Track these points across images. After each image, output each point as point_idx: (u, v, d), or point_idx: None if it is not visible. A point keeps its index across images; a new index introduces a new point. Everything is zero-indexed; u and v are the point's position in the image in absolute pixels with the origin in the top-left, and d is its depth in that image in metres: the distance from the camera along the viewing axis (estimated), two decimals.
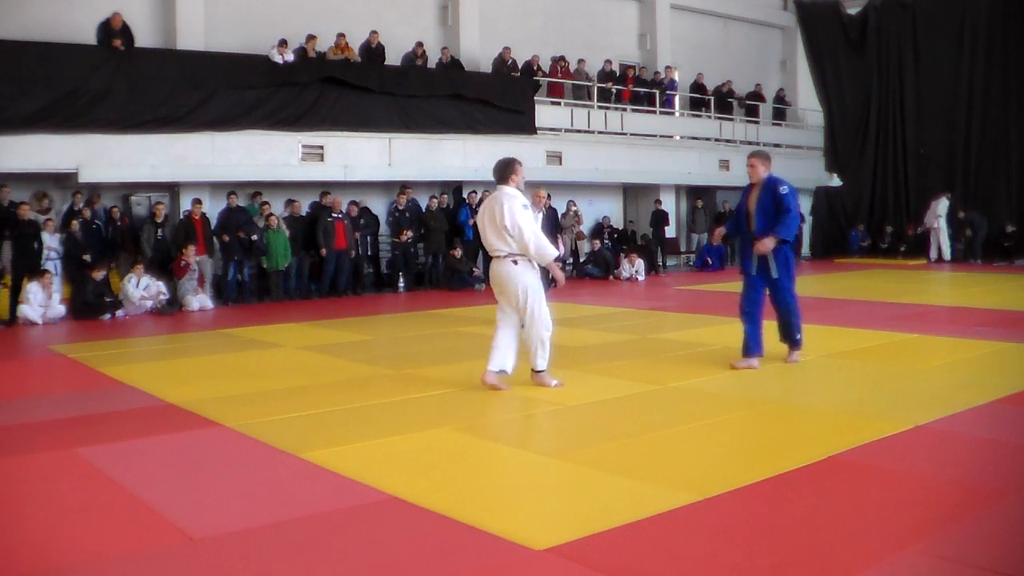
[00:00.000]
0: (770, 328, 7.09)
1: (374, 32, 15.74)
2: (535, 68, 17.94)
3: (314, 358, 8.04)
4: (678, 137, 20.34)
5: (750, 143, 21.65)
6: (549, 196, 10.38)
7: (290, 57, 14.34)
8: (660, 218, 19.17)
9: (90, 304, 11.49)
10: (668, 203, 19.96)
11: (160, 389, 6.57)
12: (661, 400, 6.00)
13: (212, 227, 13.38)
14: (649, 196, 20.41)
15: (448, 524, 3.66)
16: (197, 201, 13.25)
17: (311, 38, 14.82)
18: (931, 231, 19.52)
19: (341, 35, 15.34)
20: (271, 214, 13.64)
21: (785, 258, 6.94)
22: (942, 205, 19.34)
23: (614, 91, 19.31)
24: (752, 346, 6.97)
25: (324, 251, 13.79)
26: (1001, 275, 15.91)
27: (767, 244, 6.78)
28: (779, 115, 23.19)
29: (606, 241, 17.83)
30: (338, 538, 3.59)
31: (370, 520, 3.81)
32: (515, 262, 6.06)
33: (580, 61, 19.04)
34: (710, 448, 4.79)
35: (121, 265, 13.12)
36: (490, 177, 18.62)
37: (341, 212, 14.12)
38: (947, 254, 19.23)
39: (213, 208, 13.85)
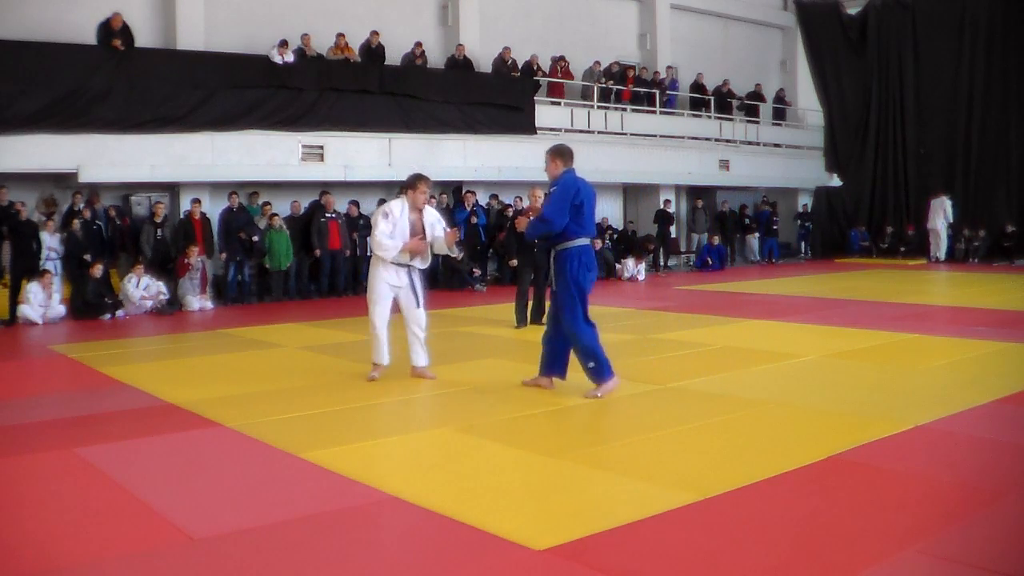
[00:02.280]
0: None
1: (375, 32, 15.74)
2: (535, 68, 17.94)
3: (314, 358, 8.04)
4: (678, 137, 20.33)
5: (750, 143, 21.68)
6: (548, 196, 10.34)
7: (290, 58, 14.34)
8: (666, 219, 19.31)
9: (90, 304, 11.49)
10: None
11: (160, 389, 6.57)
12: (661, 400, 6.00)
13: (212, 227, 13.38)
14: (649, 196, 20.41)
15: (448, 524, 3.66)
16: (196, 201, 13.26)
17: (306, 36, 14.81)
18: (931, 231, 19.56)
19: (341, 35, 15.35)
20: (274, 214, 13.63)
21: (563, 268, 5.95)
22: (942, 205, 19.36)
23: (614, 91, 19.33)
24: (545, 365, 6.28)
25: (318, 251, 13.75)
26: (1001, 275, 15.91)
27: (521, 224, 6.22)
28: (779, 115, 23.19)
29: (607, 242, 17.83)
30: (338, 538, 3.59)
31: (370, 520, 3.81)
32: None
33: (595, 63, 19.07)
34: (710, 448, 4.79)
35: (121, 265, 13.12)
36: (491, 177, 18.60)
37: (335, 212, 14.07)
38: (943, 254, 19.29)
39: (213, 208, 13.85)
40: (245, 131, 13.96)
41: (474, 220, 15.63)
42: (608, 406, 5.87)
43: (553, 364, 6.26)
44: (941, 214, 19.43)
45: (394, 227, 6.52)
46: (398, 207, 6.60)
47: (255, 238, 13.29)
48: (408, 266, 6.67)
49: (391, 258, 6.54)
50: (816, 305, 11.53)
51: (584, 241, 6.03)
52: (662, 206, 19.67)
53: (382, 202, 15.96)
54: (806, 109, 23.83)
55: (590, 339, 6.00)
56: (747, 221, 20.76)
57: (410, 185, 6.70)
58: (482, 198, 16.69)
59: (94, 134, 12.62)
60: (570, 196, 5.92)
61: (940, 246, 19.46)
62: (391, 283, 6.65)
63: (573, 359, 6.17)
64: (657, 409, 5.77)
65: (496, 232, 15.71)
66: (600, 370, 5.99)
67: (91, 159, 12.65)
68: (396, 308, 6.80)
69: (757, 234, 20.76)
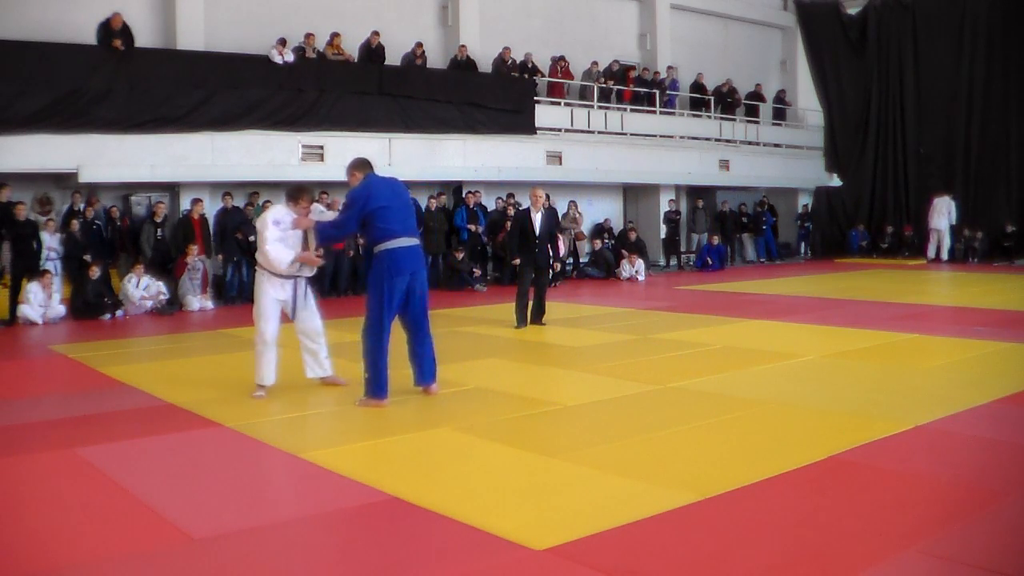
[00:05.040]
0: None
1: (375, 32, 15.73)
2: (530, 66, 17.82)
3: None
4: (678, 137, 20.35)
5: (750, 143, 21.68)
6: (548, 196, 10.37)
7: (289, 57, 14.35)
8: (676, 221, 19.52)
9: (90, 304, 11.49)
10: (666, 203, 19.97)
11: (160, 389, 6.57)
12: (661, 400, 6.00)
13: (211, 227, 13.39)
14: (649, 196, 20.41)
15: (448, 524, 3.66)
16: (198, 201, 13.27)
17: (309, 36, 14.83)
18: (931, 231, 19.57)
19: (336, 35, 15.34)
20: None
21: (371, 271, 5.95)
22: (945, 205, 19.39)
23: (614, 91, 19.32)
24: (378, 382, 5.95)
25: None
26: (1001, 275, 15.91)
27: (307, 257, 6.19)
28: (779, 115, 23.18)
29: (607, 242, 17.82)
30: (338, 538, 3.59)
31: (370, 520, 3.81)
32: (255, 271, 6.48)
33: (593, 63, 19.07)
34: (710, 448, 4.79)
35: (121, 265, 13.12)
36: (491, 177, 18.50)
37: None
38: (945, 254, 19.31)
39: (213, 208, 13.85)
40: (245, 131, 13.95)
41: (473, 228, 15.62)
42: (608, 406, 5.87)
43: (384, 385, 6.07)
44: (946, 214, 19.43)
45: (284, 234, 6.19)
46: (286, 215, 6.23)
47: (252, 238, 13.28)
48: (295, 277, 6.31)
49: (286, 269, 6.15)
50: (816, 305, 11.52)
51: (398, 243, 5.83)
52: (668, 207, 19.69)
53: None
54: (806, 109, 23.83)
55: (375, 350, 5.84)
56: (745, 221, 20.79)
57: (292, 198, 6.27)
58: (488, 199, 16.68)
59: (94, 134, 12.61)
60: (357, 206, 5.90)
61: (944, 246, 19.48)
62: (278, 297, 6.31)
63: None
64: (657, 409, 5.77)
65: (497, 232, 15.73)
66: (371, 385, 5.85)
67: (91, 159, 12.65)
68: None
69: (749, 234, 20.86)
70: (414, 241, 5.98)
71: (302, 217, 6.25)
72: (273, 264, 6.15)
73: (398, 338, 6.08)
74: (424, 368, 6.13)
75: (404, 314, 6.00)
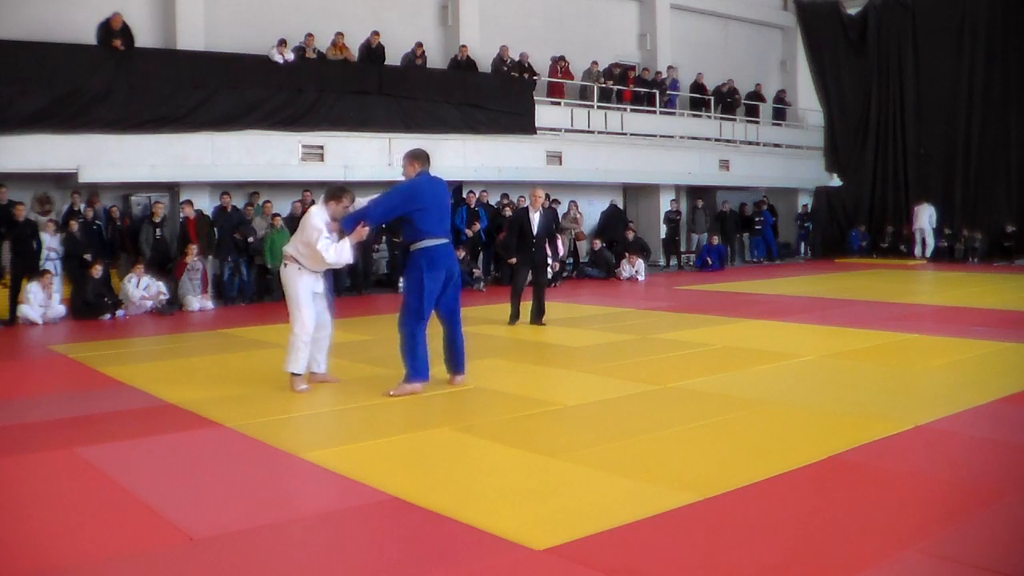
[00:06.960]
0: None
1: (375, 32, 15.74)
2: (526, 64, 17.79)
3: None
4: (678, 137, 20.35)
5: (750, 143, 21.68)
6: (548, 196, 10.39)
7: (290, 56, 14.35)
8: (676, 222, 19.54)
9: (90, 304, 11.49)
10: (666, 203, 19.98)
11: (160, 389, 6.57)
12: (661, 400, 6.00)
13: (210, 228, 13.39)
14: (649, 196, 20.41)
15: (448, 524, 3.66)
16: (187, 202, 13.26)
17: (309, 36, 14.85)
18: (916, 231, 20.13)
19: (339, 34, 15.36)
20: (276, 214, 13.63)
21: (409, 266, 6.22)
22: (926, 212, 19.96)
23: (614, 91, 19.32)
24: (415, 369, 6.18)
25: None
26: (1001, 275, 15.91)
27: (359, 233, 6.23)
28: (779, 115, 23.18)
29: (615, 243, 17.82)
30: (338, 538, 3.59)
31: (370, 520, 3.81)
32: (284, 265, 6.50)
33: (593, 63, 19.07)
34: (710, 448, 4.79)
35: (121, 265, 13.12)
36: (491, 177, 18.46)
37: None
38: (925, 252, 19.94)
39: (213, 208, 13.86)
40: (245, 131, 13.95)
41: (469, 231, 15.55)
42: (608, 406, 5.87)
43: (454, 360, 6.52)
44: (927, 218, 20.04)
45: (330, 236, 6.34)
46: (324, 217, 6.32)
47: (251, 239, 13.29)
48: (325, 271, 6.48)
49: (347, 260, 6.29)
50: (816, 305, 11.53)
51: (434, 242, 6.16)
52: (668, 207, 19.70)
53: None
54: (806, 109, 23.82)
55: (413, 336, 6.16)
56: (753, 221, 20.81)
57: (335, 197, 6.35)
58: (490, 199, 16.67)
59: (94, 134, 12.62)
60: (400, 200, 6.23)
61: (928, 245, 20.00)
62: (314, 289, 6.44)
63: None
64: (657, 409, 5.77)
65: (495, 232, 15.72)
66: (408, 372, 6.19)
67: (91, 159, 12.65)
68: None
69: (746, 234, 20.93)
70: (447, 240, 6.31)
71: (336, 220, 6.35)
72: (341, 261, 6.27)
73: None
74: (457, 360, 6.45)
75: (439, 307, 6.31)
